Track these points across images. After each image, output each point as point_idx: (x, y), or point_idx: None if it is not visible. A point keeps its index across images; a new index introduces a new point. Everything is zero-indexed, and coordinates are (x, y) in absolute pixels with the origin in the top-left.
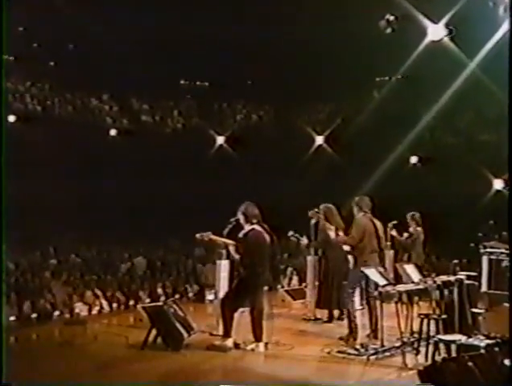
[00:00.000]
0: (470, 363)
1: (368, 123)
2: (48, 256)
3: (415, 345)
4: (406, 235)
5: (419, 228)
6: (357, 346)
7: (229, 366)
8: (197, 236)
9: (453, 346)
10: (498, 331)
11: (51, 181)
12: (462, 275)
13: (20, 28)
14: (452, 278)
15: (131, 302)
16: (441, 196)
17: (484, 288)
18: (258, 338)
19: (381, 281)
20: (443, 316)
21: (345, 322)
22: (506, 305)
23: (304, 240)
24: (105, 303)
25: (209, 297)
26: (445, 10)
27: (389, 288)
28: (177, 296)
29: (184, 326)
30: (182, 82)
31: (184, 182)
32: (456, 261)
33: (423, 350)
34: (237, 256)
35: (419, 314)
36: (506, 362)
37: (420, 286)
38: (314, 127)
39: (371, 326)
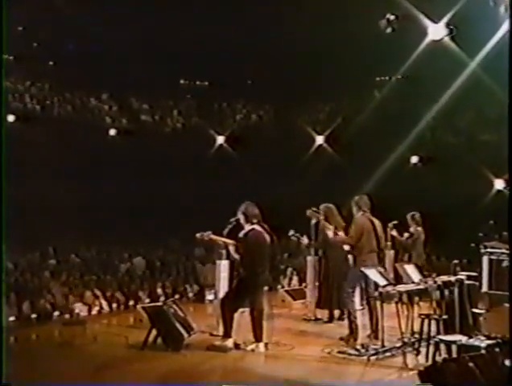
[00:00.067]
0: (471, 364)
1: (368, 123)
2: (48, 256)
3: (416, 345)
4: (406, 235)
5: (419, 228)
6: (358, 347)
7: (229, 366)
8: (197, 235)
9: (454, 347)
10: (499, 332)
11: (50, 181)
12: (462, 275)
13: (20, 28)
14: (452, 278)
15: (131, 302)
16: (442, 196)
17: (484, 288)
18: (258, 339)
19: (382, 282)
20: (444, 316)
21: (346, 322)
22: (507, 305)
23: (305, 240)
24: (104, 303)
25: (209, 297)
26: (446, 9)
27: (389, 288)
28: (177, 296)
29: (184, 327)
30: (182, 82)
31: (184, 181)
32: (456, 261)
33: (423, 350)
34: (236, 256)
35: (420, 315)
36: (507, 362)
37: (421, 286)
38: (314, 127)
39: (372, 327)
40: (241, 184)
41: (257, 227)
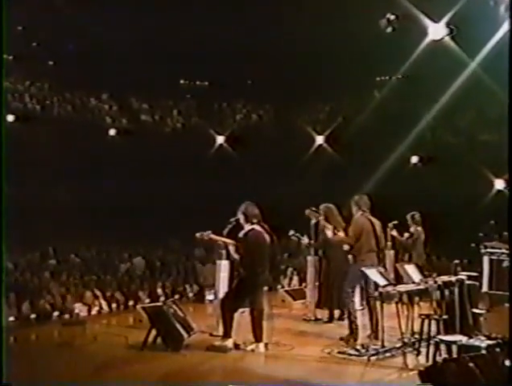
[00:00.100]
0: (471, 364)
1: (368, 123)
2: (47, 256)
3: (416, 345)
4: (406, 235)
5: (419, 228)
6: (358, 347)
7: (229, 366)
8: (197, 235)
9: (454, 347)
10: (499, 332)
11: (50, 181)
12: (463, 275)
13: (19, 27)
14: (452, 278)
15: (131, 303)
16: (442, 196)
17: (485, 288)
18: (258, 339)
19: (382, 282)
20: (444, 316)
21: (346, 322)
22: (507, 305)
23: (305, 240)
24: (104, 303)
25: (209, 297)
26: (446, 9)
27: (389, 288)
28: (177, 296)
29: (184, 327)
30: (182, 81)
31: (184, 181)
32: (456, 261)
33: (423, 350)
34: (236, 256)
35: (420, 315)
36: (507, 363)
37: (421, 286)
38: (314, 127)
39: (372, 327)
40: (241, 184)
41: (257, 227)
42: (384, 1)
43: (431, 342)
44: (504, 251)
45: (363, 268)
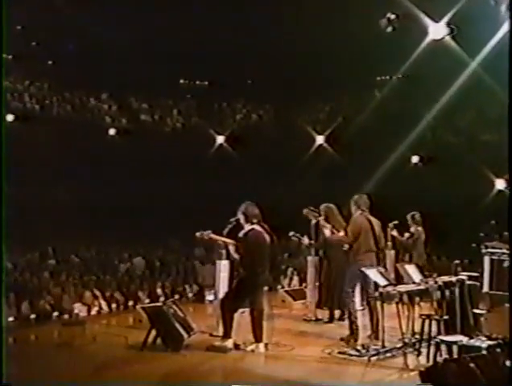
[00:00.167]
0: (472, 365)
1: (369, 122)
2: (47, 256)
3: (417, 346)
4: (407, 235)
5: (419, 228)
6: (358, 347)
7: (229, 367)
8: (197, 234)
9: (455, 347)
10: (500, 332)
11: (49, 180)
12: (463, 275)
13: (19, 27)
14: (453, 279)
15: (130, 303)
16: (442, 196)
17: (485, 288)
18: (258, 339)
19: (382, 282)
20: (445, 317)
21: (346, 322)
22: (508, 305)
23: (305, 240)
24: (104, 304)
25: (209, 297)
26: (446, 8)
27: (390, 288)
28: (177, 296)
29: (184, 327)
30: (181, 81)
31: (184, 181)
32: (457, 262)
33: (424, 351)
34: (236, 256)
35: (421, 315)
36: (508, 363)
37: (421, 287)
38: (314, 126)
39: (372, 327)
40: (241, 184)
41: (257, 227)
42: (384, 0)
43: (432, 342)
44: (505, 251)
45: (363, 269)
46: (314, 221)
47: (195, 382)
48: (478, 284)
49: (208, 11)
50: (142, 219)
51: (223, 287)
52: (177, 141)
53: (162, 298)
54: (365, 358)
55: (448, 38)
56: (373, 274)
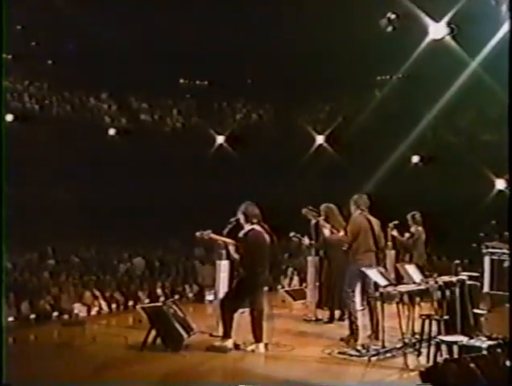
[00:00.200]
0: (472, 365)
1: (369, 122)
2: (47, 256)
3: (417, 346)
4: (407, 235)
5: (420, 228)
6: (358, 347)
7: (228, 367)
8: (197, 234)
9: (455, 348)
10: (500, 332)
11: (49, 180)
12: (464, 275)
13: (18, 27)
14: (453, 279)
15: (130, 303)
16: (443, 196)
17: (486, 288)
18: (258, 339)
19: (383, 282)
20: (445, 317)
21: (346, 322)
22: (508, 305)
23: (306, 241)
24: (103, 304)
25: (209, 297)
26: (447, 8)
27: (390, 288)
28: (176, 296)
29: (184, 327)
30: (181, 81)
31: (184, 181)
32: (457, 262)
33: (424, 351)
34: (236, 256)
35: (421, 315)
36: (508, 363)
37: (422, 287)
38: (314, 126)
39: (372, 327)
40: (241, 184)
41: (257, 227)
42: (384, 0)
43: (432, 342)
44: (505, 251)
45: (363, 269)
46: (314, 221)
47: (195, 382)
48: (479, 284)
49: (208, 11)
50: (142, 219)
51: (223, 287)
52: (177, 141)
53: (162, 298)
54: (366, 358)
55: (448, 37)
56: (374, 274)
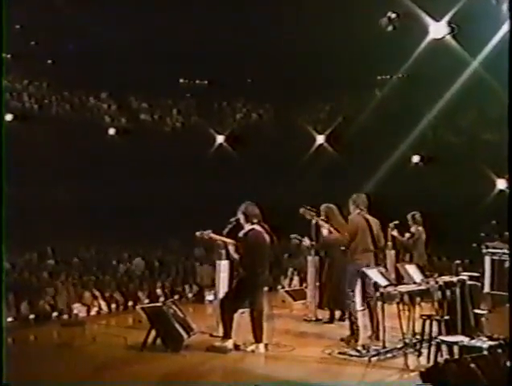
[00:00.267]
0: (473, 365)
1: (369, 122)
2: (46, 256)
3: (417, 346)
4: (407, 235)
5: (420, 228)
6: (359, 348)
7: (228, 367)
8: (197, 234)
9: (455, 348)
10: (501, 333)
11: (48, 180)
12: (464, 275)
13: (17, 26)
14: (454, 279)
15: (130, 303)
16: (443, 196)
17: (486, 289)
18: (258, 340)
19: (383, 282)
20: (446, 317)
21: (347, 322)
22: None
23: (306, 242)
24: (103, 304)
25: (209, 297)
26: (447, 7)
27: (390, 289)
28: (176, 296)
29: (184, 327)
30: (181, 81)
31: (184, 181)
32: (458, 262)
33: (425, 351)
34: (236, 256)
35: (421, 315)
36: (509, 364)
37: (422, 287)
38: (315, 126)
39: (372, 328)
40: (241, 184)
41: (257, 227)
42: None
43: (433, 342)
44: (505, 251)
45: (364, 269)
46: (314, 221)
47: (195, 382)
48: (479, 284)
49: (208, 11)
50: (141, 219)
51: (223, 287)
52: (177, 140)
53: (161, 299)
54: (366, 358)
55: (448, 37)
56: (374, 274)
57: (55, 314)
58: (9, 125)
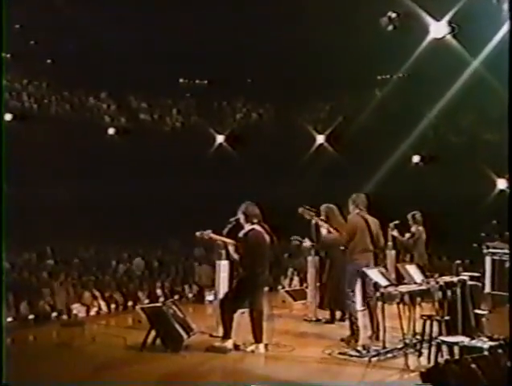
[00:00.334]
0: (473, 365)
1: (369, 122)
2: (45, 256)
3: (418, 347)
4: (407, 235)
5: (420, 228)
6: (359, 348)
7: (228, 367)
8: (197, 234)
9: (456, 348)
10: (502, 333)
11: (48, 180)
12: (465, 276)
13: (17, 25)
14: (454, 279)
15: (130, 303)
16: (444, 195)
17: (487, 289)
18: (258, 340)
19: (384, 282)
20: (446, 317)
21: (347, 323)
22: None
23: (307, 243)
24: (103, 304)
25: (209, 297)
26: (448, 7)
27: (391, 289)
28: (176, 297)
29: (184, 328)
30: (181, 80)
31: (184, 181)
32: (458, 262)
33: (425, 351)
34: (236, 256)
35: (422, 316)
36: (510, 364)
37: (423, 287)
38: (315, 126)
39: (373, 328)
40: (241, 184)
41: (257, 227)
42: None
43: (433, 343)
44: (506, 251)
45: (364, 269)
46: (314, 221)
47: (194, 383)
48: (480, 284)
49: (208, 11)
50: (141, 219)
51: (223, 287)
52: (177, 140)
53: (161, 299)
54: (366, 358)
55: (449, 36)
56: (375, 274)
57: (54, 314)
58: (8, 125)
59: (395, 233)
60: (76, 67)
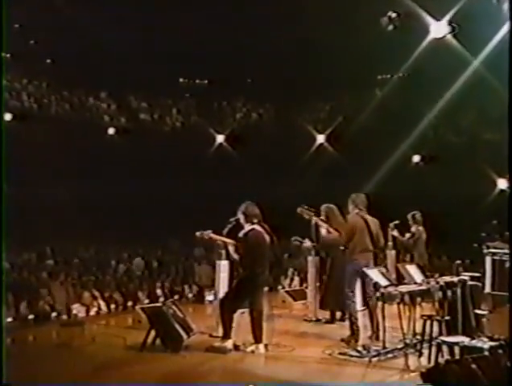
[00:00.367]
0: (473, 366)
1: (370, 121)
2: (45, 256)
3: (418, 347)
4: (408, 235)
5: (420, 228)
6: (359, 348)
7: (228, 368)
8: (197, 234)
9: (456, 348)
10: (502, 333)
11: (47, 180)
12: (465, 276)
13: (17, 25)
14: (455, 279)
15: (129, 303)
16: (444, 195)
17: (487, 289)
18: (257, 340)
19: (384, 282)
20: (446, 317)
21: (347, 323)
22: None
23: (307, 243)
24: (103, 304)
25: (209, 297)
26: (448, 6)
27: (391, 289)
28: (176, 297)
29: (184, 328)
30: (181, 80)
31: (184, 181)
32: (459, 262)
33: (425, 352)
34: (236, 256)
35: (422, 316)
36: (510, 364)
37: (423, 287)
38: (315, 126)
39: (373, 328)
40: (241, 184)
41: (257, 227)
42: None
43: (433, 343)
44: (506, 251)
45: (364, 269)
46: (314, 221)
47: (194, 383)
48: (480, 284)
49: (208, 11)
50: (141, 219)
51: (223, 287)
52: (177, 140)
53: (161, 299)
54: (366, 359)
55: (449, 36)
56: (375, 274)
57: (54, 314)
58: (8, 125)
59: (395, 233)
60: (76, 67)
